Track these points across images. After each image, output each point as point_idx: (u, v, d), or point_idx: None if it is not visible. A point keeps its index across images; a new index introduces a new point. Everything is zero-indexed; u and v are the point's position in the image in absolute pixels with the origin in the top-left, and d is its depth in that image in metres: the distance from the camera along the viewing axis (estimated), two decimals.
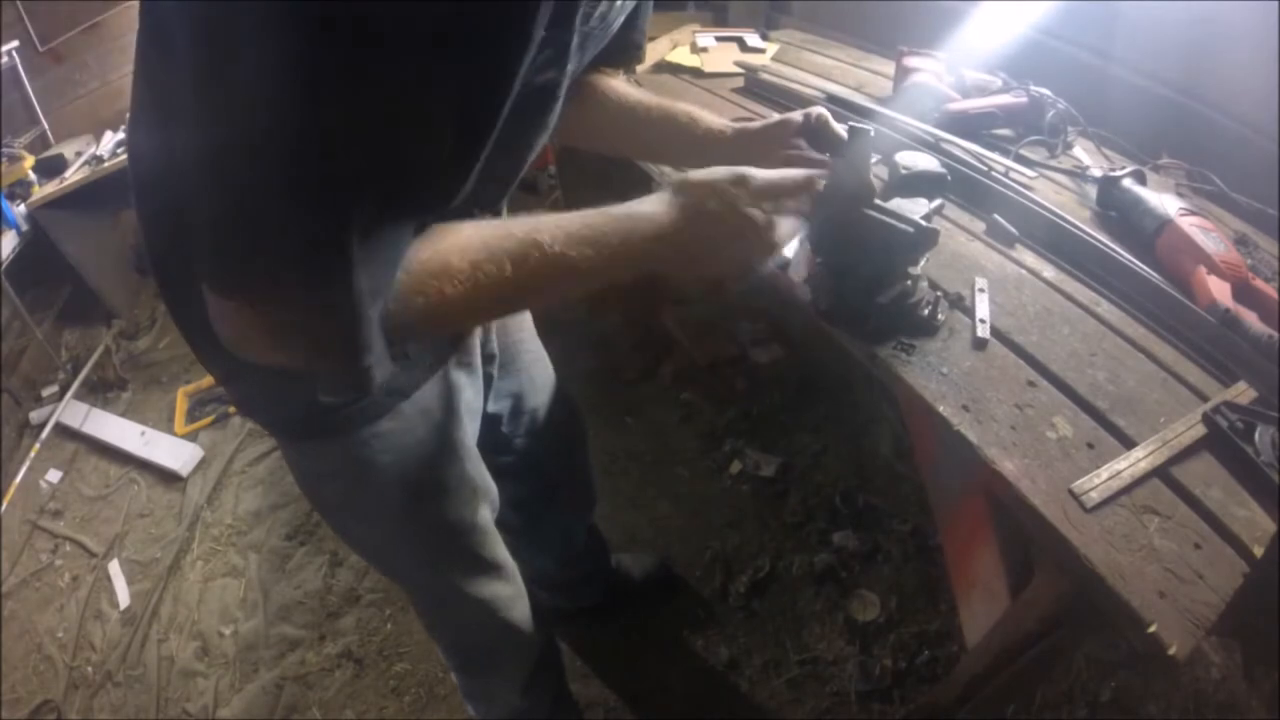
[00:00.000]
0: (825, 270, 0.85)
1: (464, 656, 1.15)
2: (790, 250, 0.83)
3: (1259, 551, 0.65)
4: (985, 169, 1.12)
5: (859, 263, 0.80)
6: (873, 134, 0.72)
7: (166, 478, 2.08)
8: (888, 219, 0.75)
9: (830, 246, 0.82)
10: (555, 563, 1.36)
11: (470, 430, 0.87)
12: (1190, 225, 0.94)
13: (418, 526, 0.86)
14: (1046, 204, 1.05)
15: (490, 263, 0.54)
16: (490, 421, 0.98)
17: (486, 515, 0.94)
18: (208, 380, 2.36)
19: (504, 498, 0.98)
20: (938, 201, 0.82)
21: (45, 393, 2.41)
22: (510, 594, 1.04)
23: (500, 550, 1.01)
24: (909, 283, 0.81)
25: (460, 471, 0.86)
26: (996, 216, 1.04)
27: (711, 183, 0.63)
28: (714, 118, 0.84)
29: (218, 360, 0.68)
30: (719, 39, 1.71)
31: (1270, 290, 0.91)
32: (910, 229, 0.74)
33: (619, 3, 0.62)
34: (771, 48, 1.69)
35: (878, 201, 0.77)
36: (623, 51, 0.80)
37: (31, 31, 2.47)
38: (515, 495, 1.09)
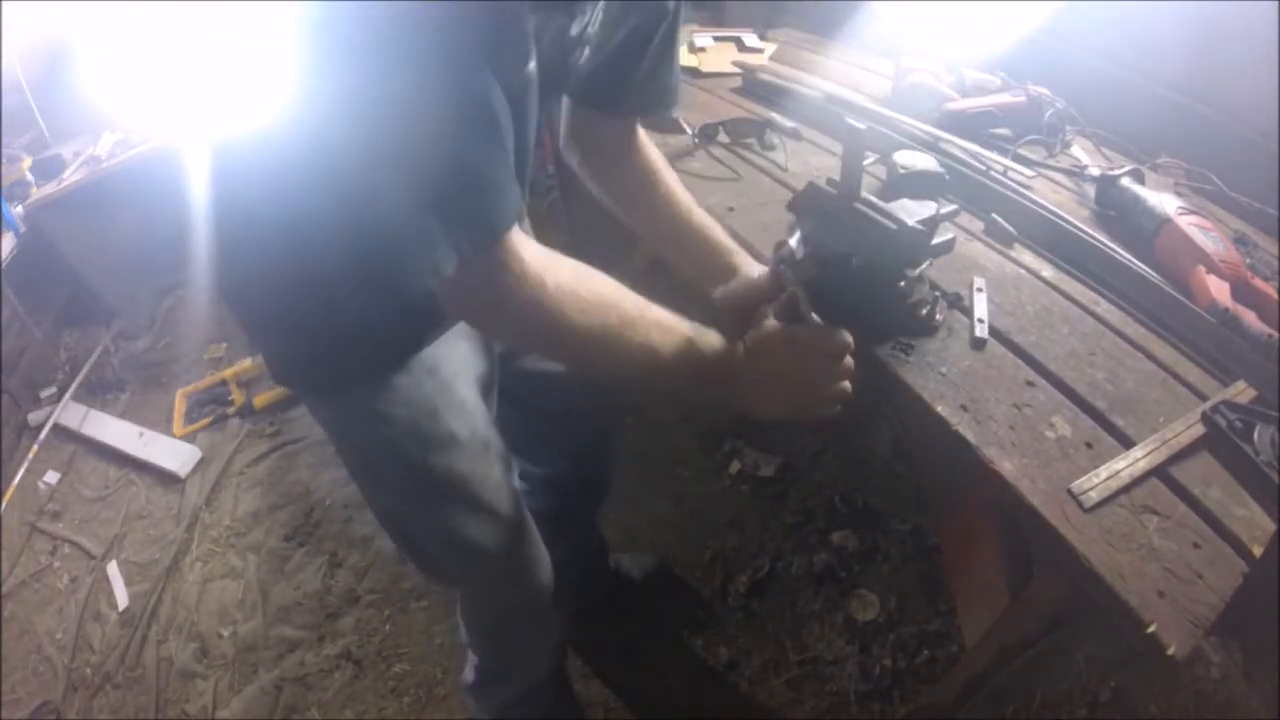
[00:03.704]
0: (813, 262, 0.85)
1: (491, 630, 1.14)
2: (792, 241, 0.83)
3: (1258, 551, 0.65)
4: (984, 168, 1.12)
5: (847, 256, 0.80)
6: (864, 129, 0.72)
7: (165, 479, 2.07)
8: (873, 214, 0.76)
9: (820, 239, 0.82)
10: (562, 560, 1.36)
11: (476, 388, 0.90)
12: (1189, 224, 0.94)
13: (437, 476, 0.87)
14: (1045, 203, 1.05)
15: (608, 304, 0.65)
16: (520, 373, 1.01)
17: (503, 470, 0.95)
18: (206, 381, 2.36)
19: (540, 478, 1.02)
20: (951, 207, 0.82)
21: (44, 394, 2.40)
22: (535, 555, 1.04)
23: (523, 510, 1.00)
24: (903, 284, 0.81)
25: (471, 425, 0.88)
26: (995, 216, 1.04)
27: (784, 333, 0.73)
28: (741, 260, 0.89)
29: (259, 326, 0.83)
30: (717, 39, 1.71)
31: (1269, 289, 0.91)
32: (893, 225, 0.75)
33: (578, 28, 0.66)
34: (769, 47, 1.69)
35: (871, 198, 0.78)
36: (657, 98, 0.86)
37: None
38: (551, 476, 1.15)
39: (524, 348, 0.71)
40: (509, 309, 0.62)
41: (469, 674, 1.24)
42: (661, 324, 0.69)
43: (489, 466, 0.91)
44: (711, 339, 0.72)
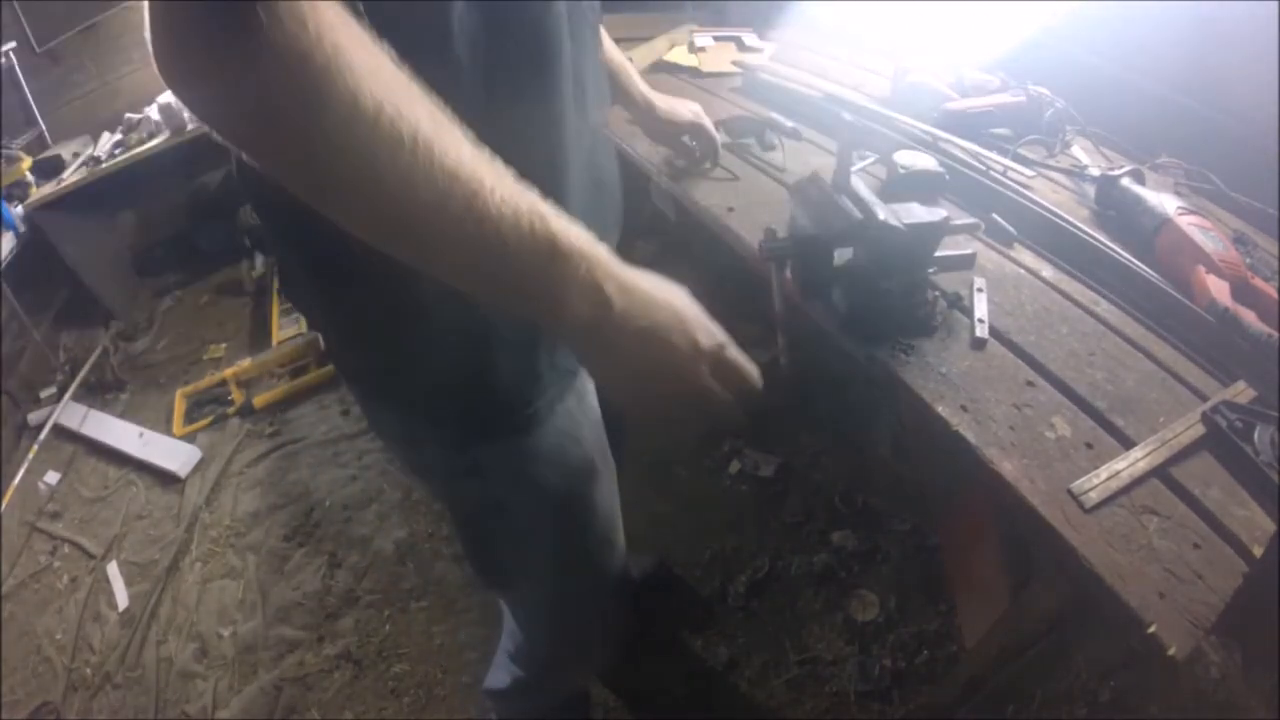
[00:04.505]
0: (791, 241, 0.86)
1: (565, 642, 1.07)
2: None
3: (1258, 551, 0.65)
4: (984, 168, 1.12)
5: (815, 237, 0.82)
6: (852, 121, 0.74)
7: (165, 479, 2.07)
8: (846, 204, 0.77)
9: (802, 224, 0.84)
10: None
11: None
12: (1189, 224, 0.94)
13: (569, 511, 0.82)
14: (1045, 203, 1.05)
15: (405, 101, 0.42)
16: None
17: (615, 476, 0.91)
18: (206, 381, 2.36)
19: None
20: (970, 221, 0.83)
21: (43, 394, 2.41)
22: (619, 558, 0.99)
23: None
24: (889, 284, 0.81)
25: (602, 443, 0.84)
26: (995, 216, 1.04)
27: (696, 322, 0.55)
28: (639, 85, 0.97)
29: (387, 363, 0.66)
30: (717, 38, 1.71)
31: (1269, 289, 0.91)
32: (859, 215, 0.76)
33: None
34: (769, 47, 1.69)
35: (866, 193, 0.78)
36: None
37: (29, 32, 2.46)
38: None
39: (259, 133, 0.42)
40: (255, 56, 0.37)
41: (500, 679, 1.17)
42: (497, 165, 0.46)
43: (610, 481, 0.87)
44: (586, 237, 0.50)
